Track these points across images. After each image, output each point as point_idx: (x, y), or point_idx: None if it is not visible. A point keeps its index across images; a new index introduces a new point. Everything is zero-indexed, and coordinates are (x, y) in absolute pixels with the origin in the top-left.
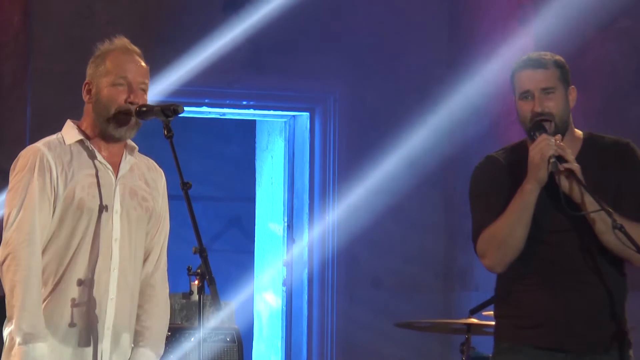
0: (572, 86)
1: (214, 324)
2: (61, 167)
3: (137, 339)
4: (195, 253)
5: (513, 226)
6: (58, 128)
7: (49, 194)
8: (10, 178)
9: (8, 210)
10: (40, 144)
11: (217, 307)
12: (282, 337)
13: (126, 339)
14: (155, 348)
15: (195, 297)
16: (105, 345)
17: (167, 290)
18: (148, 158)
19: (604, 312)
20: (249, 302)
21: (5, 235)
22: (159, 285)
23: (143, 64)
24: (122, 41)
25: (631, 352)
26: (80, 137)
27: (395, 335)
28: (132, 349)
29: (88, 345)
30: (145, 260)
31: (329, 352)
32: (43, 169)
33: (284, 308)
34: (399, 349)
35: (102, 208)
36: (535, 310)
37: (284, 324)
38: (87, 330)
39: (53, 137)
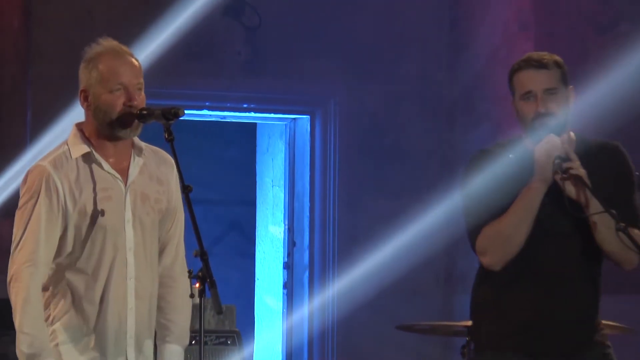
0: (571, 86)
1: (215, 327)
2: (68, 185)
3: (164, 333)
4: (196, 256)
5: (518, 224)
6: (58, 132)
7: (56, 214)
8: (20, 195)
9: (15, 230)
10: (46, 163)
11: (218, 310)
12: (282, 340)
13: (148, 345)
14: (182, 341)
15: (196, 300)
16: (130, 354)
17: (188, 281)
18: (156, 149)
19: (588, 315)
20: (250, 305)
21: (12, 256)
22: (178, 276)
23: (135, 62)
24: (110, 43)
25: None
26: (86, 149)
27: (396, 338)
28: (159, 345)
29: (113, 356)
30: (162, 253)
31: (330, 355)
32: (50, 190)
33: (285, 311)
34: (400, 351)
35: (114, 219)
36: (520, 316)
37: (285, 326)
38: (110, 342)
39: (60, 150)
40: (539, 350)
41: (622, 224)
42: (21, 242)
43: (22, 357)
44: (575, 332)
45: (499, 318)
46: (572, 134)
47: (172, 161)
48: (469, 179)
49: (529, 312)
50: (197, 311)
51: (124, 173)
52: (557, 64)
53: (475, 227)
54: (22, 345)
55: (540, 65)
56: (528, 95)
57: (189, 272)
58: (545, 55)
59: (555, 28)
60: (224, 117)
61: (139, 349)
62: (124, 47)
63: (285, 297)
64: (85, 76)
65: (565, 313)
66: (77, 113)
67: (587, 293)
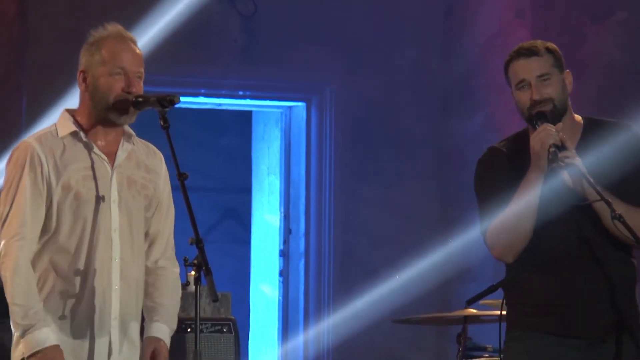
0: (567, 70)
1: (211, 314)
2: (52, 160)
3: (151, 314)
4: (191, 244)
5: (520, 215)
6: (53, 118)
7: (41, 188)
8: (6, 172)
9: (2, 207)
10: (32, 139)
11: (213, 297)
12: (278, 328)
13: (134, 327)
14: (169, 323)
15: (192, 288)
16: (114, 336)
17: (178, 270)
18: (147, 143)
19: (608, 299)
20: (246, 293)
21: (1, 231)
22: (169, 266)
23: (138, 51)
24: (116, 28)
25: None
26: (73, 128)
27: (392, 327)
28: (147, 324)
29: (97, 336)
30: (152, 245)
31: (326, 343)
32: (34, 165)
33: (281, 299)
34: (396, 339)
35: (99, 199)
36: (542, 298)
37: (281, 314)
38: (94, 321)
39: (47, 129)
40: (565, 332)
41: (618, 213)
42: (8, 217)
43: (17, 329)
44: (601, 316)
45: (520, 301)
46: (577, 116)
47: (161, 156)
48: (480, 177)
49: (543, 296)
50: (193, 299)
51: (112, 156)
52: (549, 50)
53: (484, 222)
54: (17, 317)
55: (531, 52)
56: (522, 84)
57: (185, 259)
58: (536, 43)
59: (551, 16)
60: (220, 104)
61: (123, 331)
62: (129, 34)
63: (281, 284)
64: (86, 58)
65: (576, 297)
66: (72, 99)
67: (600, 277)
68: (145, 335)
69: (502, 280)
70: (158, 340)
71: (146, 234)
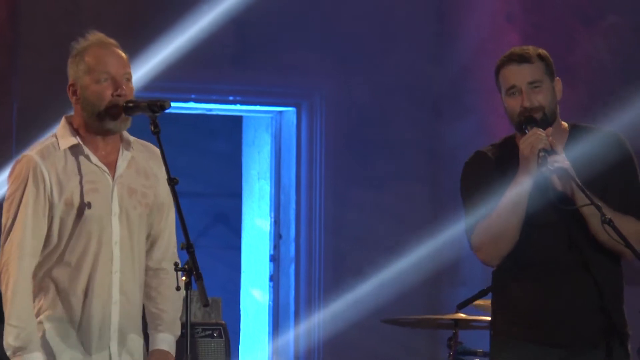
0: (557, 78)
1: (201, 319)
2: (55, 175)
3: (155, 322)
4: (182, 249)
5: (507, 219)
6: (45, 124)
7: (43, 203)
8: (8, 186)
9: (4, 221)
10: (33, 152)
11: (204, 302)
12: (269, 333)
13: (134, 339)
14: (173, 330)
15: (183, 292)
16: (113, 348)
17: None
18: (146, 144)
19: (596, 305)
20: (236, 298)
21: (2, 246)
22: (170, 268)
23: (122, 54)
24: (96, 36)
25: (629, 346)
26: (74, 141)
27: (382, 331)
28: (151, 333)
29: (97, 350)
30: (154, 245)
31: (316, 348)
32: (37, 180)
33: (271, 304)
34: (386, 344)
35: (101, 212)
36: (527, 306)
37: (271, 319)
38: (94, 335)
39: (48, 141)
40: (544, 341)
41: (608, 217)
42: (11, 232)
43: (9, 350)
44: (576, 324)
45: (506, 308)
46: (564, 123)
47: (159, 153)
48: (466, 180)
49: (530, 304)
50: (184, 304)
51: (112, 166)
52: (541, 57)
53: (470, 225)
54: (9, 338)
55: (522, 59)
56: (512, 90)
57: (175, 264)
58: (528, 49)
59: (542, 20)
60: (210, 109)
61: (122, 343)
62: (110, 40)
63: (272, 289)
64: (73, 70)
65: (563, 305)
66: (63, 106)
67: (589, 283)
68: (151, 347)
69: (492, 286)
70: (165, 353)
71: (147, 235)
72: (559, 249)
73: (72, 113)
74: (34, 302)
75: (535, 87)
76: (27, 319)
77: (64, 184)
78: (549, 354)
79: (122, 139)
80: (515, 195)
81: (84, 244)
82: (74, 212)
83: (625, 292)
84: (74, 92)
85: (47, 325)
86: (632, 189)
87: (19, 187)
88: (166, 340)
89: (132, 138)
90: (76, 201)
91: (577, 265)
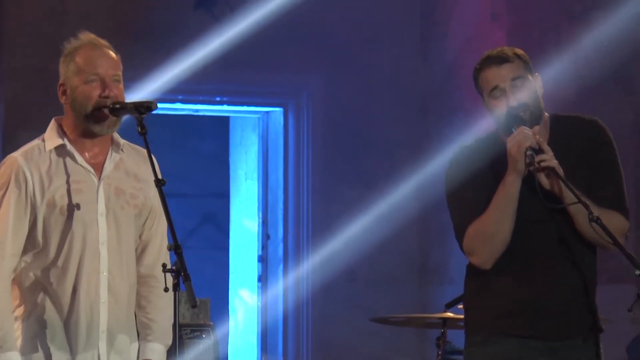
0: (537, 74)
1: (190, 320)
2: (38, 176)
3: (145, 332)
4: (170, 250)
5: (499, 220)
6: (32, 125)
7: (24, 205)
8: None
9: None
10: (18, 154)
11: (192, 303)
12: (257, 333)
13: (123, 340)
14: (164, 339)
15: (171, 294)
16: (102, 349)
17: (170, 280)
18: (138, 148)
19: (578, 300)
20: (225, 299)
21: None
22: (161, 276)
23: (113, 55)
24: (88, 36)
25: (600, 340)
26: (60, 141)
27: (371, 330)
28: (141, 344)
29: (85, 350)
30: (145, 251)
31: (305, 348)
32: (19, 181)
33: (259, 304)
34: (375, 343)
35: (86, 212)
36: (510, 299)
37: (260, 320)
38: (81, 335)
39: (35, 142)
40: (528, 334)
41: (595, 215)
42: None
43: None
44: (561, 318)
45: (489, 303)
46: (546, 114)
47: (154, 160)
48: (452, 178)
49: (517, 297)
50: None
51: (99, 168)
52: (518, 56)
53: (461, 227)
54: None
55: (501, 60)
56: (495, 91)
57: (163, 265)
58: (505, 49)
59: (527, 17)
60: (197, 110)
61: (110, 343)
62: (102, 40)
63: (260, 290)
64: (63, 70)
65: (550, 298)
66: (50, 106)
67: (575, 279)
68: (140, 357)
69: (470, 282)
70: None
71: (138, 238)
72: (548, 246)
73: (62, 114)
74: (21, 302)
75: (519, 85)
76: (3, 319)
77: (47, 185)
78: (531, 347)
79: (112, 141)
80: (504, 196)
81: (68, 245)
82: (56, 212)
83: (613, 289)
84: (64, 92)
85: (35, 326)
86: (614, 180)
87: (1, 188)
88: (155, 350)
89: (122, 141)
90: (60, 201)
91: (560, 261)
